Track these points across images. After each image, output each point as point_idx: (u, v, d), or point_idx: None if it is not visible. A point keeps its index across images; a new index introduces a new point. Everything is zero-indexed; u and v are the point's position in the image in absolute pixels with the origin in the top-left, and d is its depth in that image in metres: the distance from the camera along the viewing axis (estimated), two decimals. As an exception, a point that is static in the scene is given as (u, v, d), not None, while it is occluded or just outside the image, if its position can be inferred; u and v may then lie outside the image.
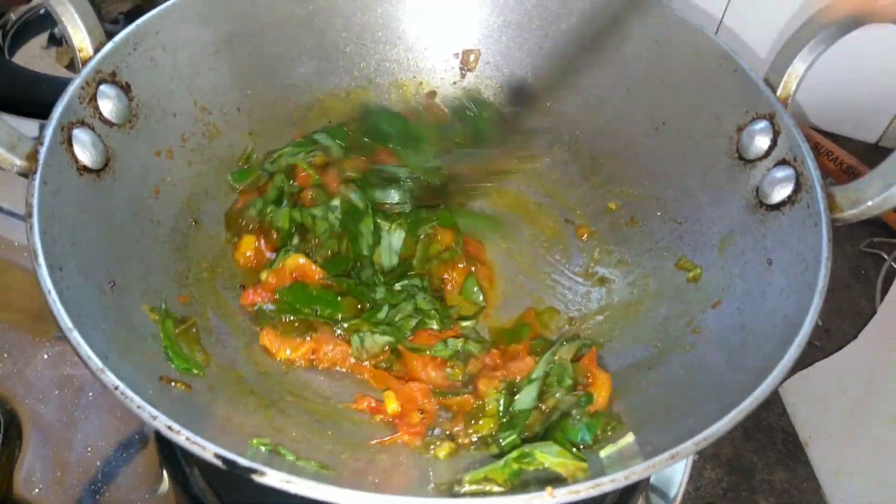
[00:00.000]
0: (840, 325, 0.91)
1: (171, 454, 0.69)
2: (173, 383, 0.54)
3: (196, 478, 0.67)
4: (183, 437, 0.43)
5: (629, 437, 0.52)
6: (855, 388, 0.84)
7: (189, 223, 0.71)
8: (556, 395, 0.59)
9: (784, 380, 0.50)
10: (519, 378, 0.62)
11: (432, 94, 0.87)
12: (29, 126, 0.58)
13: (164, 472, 0.69)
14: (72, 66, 1.04)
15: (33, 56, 1.11)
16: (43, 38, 1.13)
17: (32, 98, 0.94)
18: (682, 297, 0.68)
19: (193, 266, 0.69)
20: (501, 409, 0.59)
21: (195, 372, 0.58)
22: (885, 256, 0.97)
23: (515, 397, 0.60)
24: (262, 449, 0.50)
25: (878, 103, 1.06)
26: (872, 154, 1.09)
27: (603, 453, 0.53)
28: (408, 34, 0.85)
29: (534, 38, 0.83)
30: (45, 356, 0.75)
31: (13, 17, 1.13)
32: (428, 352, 0.64)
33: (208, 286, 0.69)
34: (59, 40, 1.12)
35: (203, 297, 0.67)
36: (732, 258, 0.66)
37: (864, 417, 0.81)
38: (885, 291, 0.92)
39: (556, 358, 0.62)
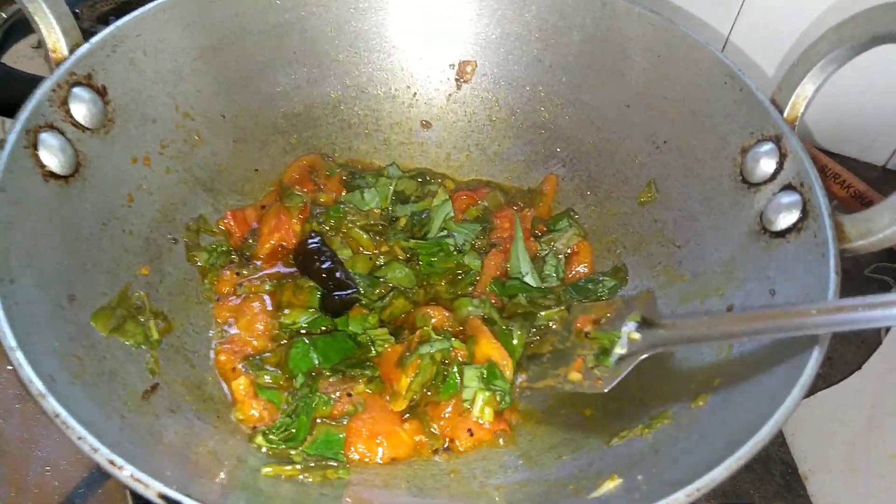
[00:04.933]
0: (843, 354, 0.87)
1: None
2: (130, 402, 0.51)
3: None
4: (126, 473, 0.39)
5: (616, 481, 0.48)
6: (858, 421, 0.80)
7: (168, 238, 0.68)
8: None
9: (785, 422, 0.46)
10: None
11: (427, 123, 0.84)
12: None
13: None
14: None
15: (22, 56, 1.08)
16: (33, 38, 1.11)
17: (18, 99, 0.91)
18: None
19: (166, 278, 0.66)
20: None
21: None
22: (892, 283, 0.93)
23: None
24: (217, 484, 0.47)
25: (886, 125, 1.03)
26: (880, 177, 1.05)
27: (592, 496, 0.49)
28: (403, 43, 0.82)
29: (533, 51, 0.80)
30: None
31: (3, 16, 1.11)
32: None
33: (180, 300, 0.66)
34: (50, 41, 1.09)
35: (173, 311, 0.64)
36: (734, 286, 0.62)
37: (867, 451, 0.78)
38: (891, 320, 0.88)
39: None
